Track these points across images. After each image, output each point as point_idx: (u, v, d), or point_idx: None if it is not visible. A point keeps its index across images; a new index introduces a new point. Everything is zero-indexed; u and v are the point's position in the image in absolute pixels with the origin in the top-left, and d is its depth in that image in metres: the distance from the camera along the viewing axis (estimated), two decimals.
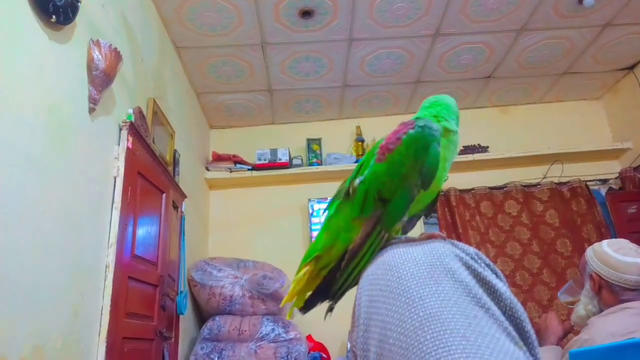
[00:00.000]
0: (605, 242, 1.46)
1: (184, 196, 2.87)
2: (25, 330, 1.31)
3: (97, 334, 1.71)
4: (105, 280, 1.79)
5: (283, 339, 2.85)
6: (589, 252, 1.47)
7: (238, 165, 3.77)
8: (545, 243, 3.58)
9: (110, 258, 1.82)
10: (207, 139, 3.99)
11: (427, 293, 0.45)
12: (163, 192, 2.44)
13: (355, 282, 0.62)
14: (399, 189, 0.61)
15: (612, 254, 1.40)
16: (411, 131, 0.62)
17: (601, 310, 1.40)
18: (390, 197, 0.61)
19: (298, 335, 2.90)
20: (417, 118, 0.65)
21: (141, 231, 2.12)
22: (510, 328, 0.44)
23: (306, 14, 2.81)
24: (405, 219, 0.63)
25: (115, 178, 1.94)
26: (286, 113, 3.97)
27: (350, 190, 0.65)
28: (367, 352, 0.49)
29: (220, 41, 3.01)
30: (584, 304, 1.45)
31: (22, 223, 1.34)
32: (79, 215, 1.66)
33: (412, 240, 0.58)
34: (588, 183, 3.75)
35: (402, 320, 0.44)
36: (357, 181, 0.64)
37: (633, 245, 1.42)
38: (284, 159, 3.76)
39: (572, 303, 1.61)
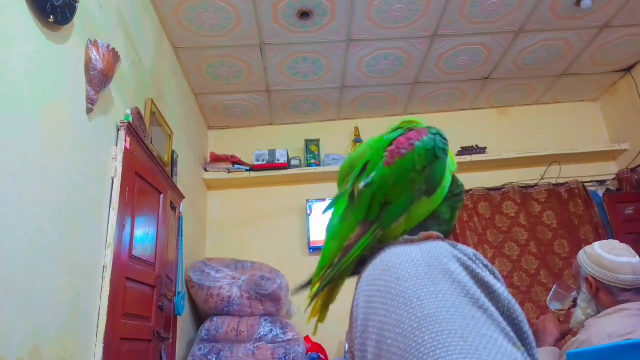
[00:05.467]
0: (596, 244, 1.47)
1: (182, 197, 2.87)
2: (23, 331, 1.31)
3: (95, 335, 1.71)
4: (102, 280, 1.78)
5: (281, 339, 2.85)
6: (582, 255, 1.47)
7: (236, 166, 3.77)
8: (543, 244, 3.58)
9: (108, 259, 1.82)
10: (206, 139, 3.98)
11: (425, 294, 0.45)
12: (161, 193, 2.44)
13: (339, 276, 0.63)
14: (403, 193, 0.61)
15: (606, 256, 1.40)
16: (425, 138, 0.63)
17: (599, 313, 1.41)
18: (395, 200, 0.62)
19: (296, 336, 2.89)
20: (428, 127, 0.66)
21: (139, 232, 2.11)
22: (508, 329, 0.44)
23: (304, 15, 2.81)
24: (402, 219, 0.63)
25: (113, 179, 1.94)
26: (284, 114, 3.97)
27: (355, 193, 0.64)
28: (364, 352, 0.49)
29: (218, 42, 3.01)
30: (582, 309, 1.45)
31: (20, 223, 1.34)
32: (77, 215, 1.65)
33: (410, 241, 0.58)
34: (585, 184, 3.76)
35: (400, 321, 0.44)
36: (362, 184, 0.64)
37: (624, 246, 1.43)
38: (282, 159, 3.76)
39: (562, 310, 1.61)
